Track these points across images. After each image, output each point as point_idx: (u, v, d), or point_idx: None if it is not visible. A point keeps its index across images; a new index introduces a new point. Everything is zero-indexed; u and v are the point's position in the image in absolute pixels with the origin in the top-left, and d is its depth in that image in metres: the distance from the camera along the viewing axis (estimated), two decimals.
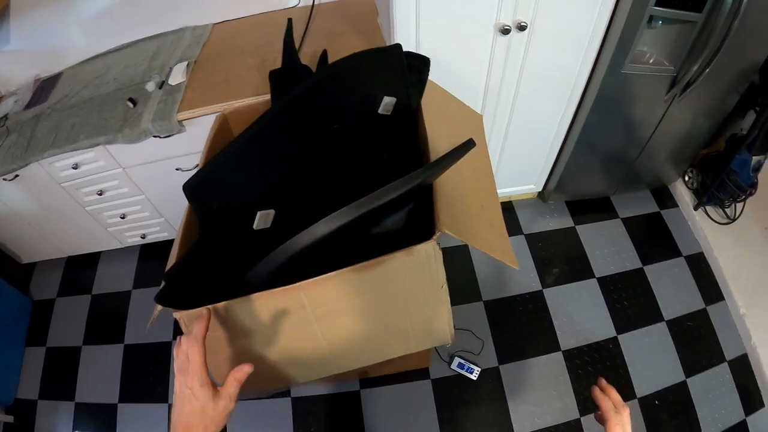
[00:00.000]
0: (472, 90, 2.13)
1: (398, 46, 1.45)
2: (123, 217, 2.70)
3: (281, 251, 1.12)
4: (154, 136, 2.20)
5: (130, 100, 2.24)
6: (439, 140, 1.45)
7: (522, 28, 1.87)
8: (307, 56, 2.15)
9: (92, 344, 2.83)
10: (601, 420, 0.98)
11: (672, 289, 2.74)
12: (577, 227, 2.97)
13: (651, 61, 2.06)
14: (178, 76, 2.25)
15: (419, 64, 1.58)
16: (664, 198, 3.12)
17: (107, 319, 2.91)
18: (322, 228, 1.06)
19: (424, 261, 1.18)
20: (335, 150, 1.46)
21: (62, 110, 2.44)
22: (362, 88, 1.46)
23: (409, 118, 1.56)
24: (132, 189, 2.51)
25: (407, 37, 1.88)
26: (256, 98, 2.02)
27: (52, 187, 2.49)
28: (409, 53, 1.54)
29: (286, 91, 1.54)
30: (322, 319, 1.23)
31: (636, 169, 2.76)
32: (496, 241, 1.37)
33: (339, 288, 1.19)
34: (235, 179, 1.28)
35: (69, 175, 2.42)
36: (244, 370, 0.89)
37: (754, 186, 2.63)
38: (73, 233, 2.85)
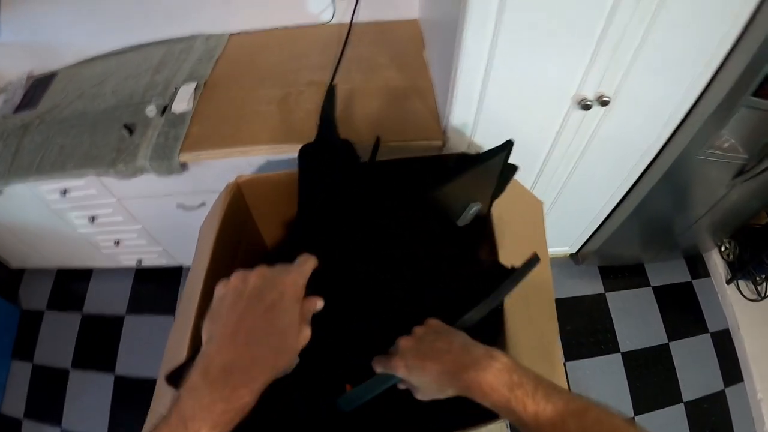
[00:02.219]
0: (530, 156, 1.62)
1: (509, 146, 1.11)
2: (117, 243, 2.19)
3: None
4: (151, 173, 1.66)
5: (126, 127, 1.70)
6: (505, 238, 1.21)
7: (604, 103, 1.40)
8: (341, 94, 1.59)
9: (81, 368, 2.38)
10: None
11: (694, 368, 2.39)
12: (607, 294, 2.55)
13: (726, 146, 1.67)
14: (183, 102, 1.69)
15: (509, 174, 1.22)
16: (698, 267, 2.72)
17: (98, 344, 2.44)
18: None
19: None
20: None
21: (52, 124, 1.89)
22: (456, 201, 1.16)
23: (481, 223, 1.26)
24: (127, 218, 2.00)
25: (469, 96, 1.37)
26: (284, 152, 1.55)
27: (39, 208, 1.99)
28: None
29: (318, 176, 1.22)
30: None
31: (676, 239, 2.42)
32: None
33: None
34: None
35: (57, 199, 1.90)
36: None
37: None
38: (64, 250, 2.35)
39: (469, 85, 1.34)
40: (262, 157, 1.59)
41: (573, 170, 1.74)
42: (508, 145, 1.13)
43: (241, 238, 1.38)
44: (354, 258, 1.13)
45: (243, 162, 1.62)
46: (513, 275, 0.95)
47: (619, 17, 1.17)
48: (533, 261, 0.97)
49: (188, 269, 2.40)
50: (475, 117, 1.44)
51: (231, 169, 1.64)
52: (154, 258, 2.34)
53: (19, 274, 2.73)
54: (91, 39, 2.03)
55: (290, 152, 1.55)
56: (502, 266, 1.14)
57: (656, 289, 2.59)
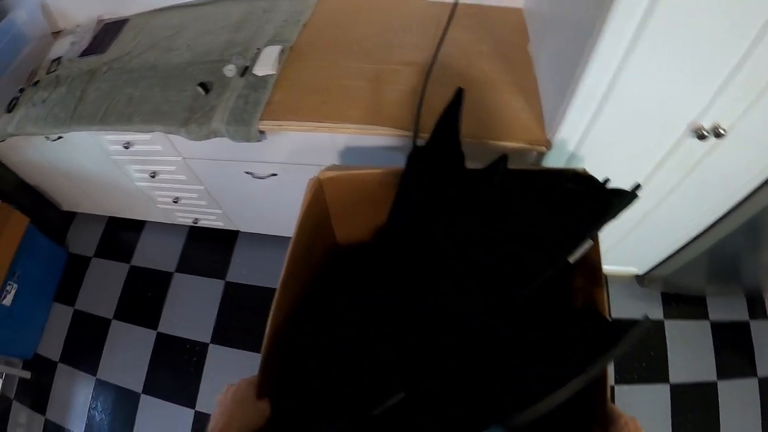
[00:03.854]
0: (627, 177, 1.34)
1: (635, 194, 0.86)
2: (176, 201, 1.96)
3: None
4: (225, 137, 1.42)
5: (202, 85, 1.45)
6: None
7: (718, 134, 1.15)
8: (440, 81, 1.33)
9: (123, 321, 2.17)
10: None
11: (738, 412, 2.12)
12: (666, 321, 2.29)
13: None
14: (267, 65, 1.44)
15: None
16: (757, 308, 2.43)
17: (143, 298, 2.22)
18: None
19: None
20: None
21: (120, 72, 1.65)
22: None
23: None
24: (190, 178, 1.76)
25: (584, 107, 1.12)
26: (372, 134, 1.30)
27: (99, 156, 1.76)
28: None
29: (423, 186, 0.99)
30: None
31: (742, 278, 2.17)
32: None
33: None
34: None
35: (119, 151, 1.66)
36: None
37: None
38: (118, 199, 2.12)
39: (589, 96, 1.09)
40: (348, 137, 1.36)
41: (665, 197, 1.48)
42: (635, 193, 0.88)
43: (318, 233, 1.14)
44: (445, 294, 0.91)
45: (326, 139, 1.38)
46: (624, 340, 0.75)
47: (761, 50, 0.94)
48: (645, 322, 0.76)
49: (244, 234, 2.19)
50: (584, 130, 1.20)
51: (312, 144, 1.41)
52: (211, 220, 2.12)
53: (70, 217, 2.50)
54: None
55: (379, 136, 1.32)
56: (602, 319, 0.91)
57: (714, 324, 2.35)
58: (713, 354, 2.22)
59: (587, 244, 0.90)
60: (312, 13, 1.64)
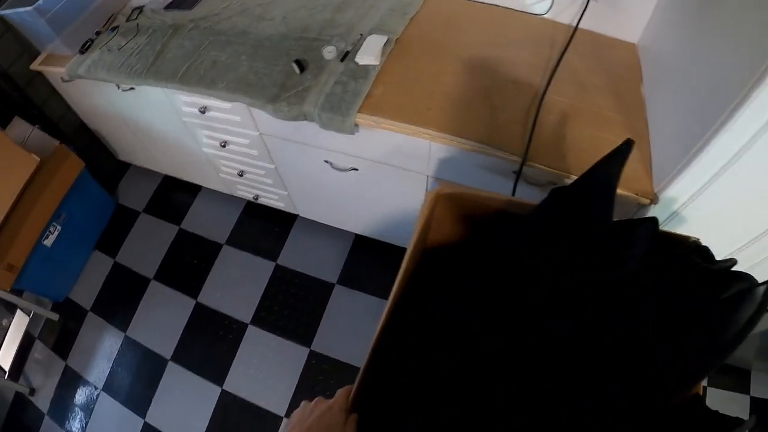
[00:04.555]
0: (719, 246, 1.18)
1: None
2: (241, 174, 1.82)
3: None
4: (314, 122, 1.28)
5: (298, 63, 1.30)
6: None
7: None
8: (551, 108, 1.20)
9: (163, 283, 2.05)
10: None
11: None
12: (708, 388, 2.14)
13: None
14: (370, 54, 1.29)
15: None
16: None
17: (187, 265, 2.08)
18: None
19: None
20: None
21: (206, 33, 1.51)
22: None
23: None
24: (263, 154, 1.63)
25: (696, 179, 0.98)
26: (474, 150, 1.14)
27: (169, 115, 1.63)
28: None
29: (571, 228, 0.82)
30: None
31: None
32: None
33: None
34: None
35: (193, 113, 1.53)
36: None
37: None
38: (180, 160, 1.99)
39: (712, 160, 0.93)
40: (447, 148, 1.21)
41: (752, 269, 1.33)
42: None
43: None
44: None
45: (423, 146, 1.24)
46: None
47: None
48: (750, 422, 0.65)
49: (302, 220, 2.04)
50: (695, 192, 1.03)
51: (405, 148, 1.27)
52: (273, 199, 1.97)
53: (124, 167, 2.38)
54: None
55: (482, 154, 1.17)
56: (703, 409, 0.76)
57: (754, 400, 2.19)
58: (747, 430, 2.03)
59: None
60: (420, 8, 1.48)
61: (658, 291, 0.77)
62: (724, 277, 0.70)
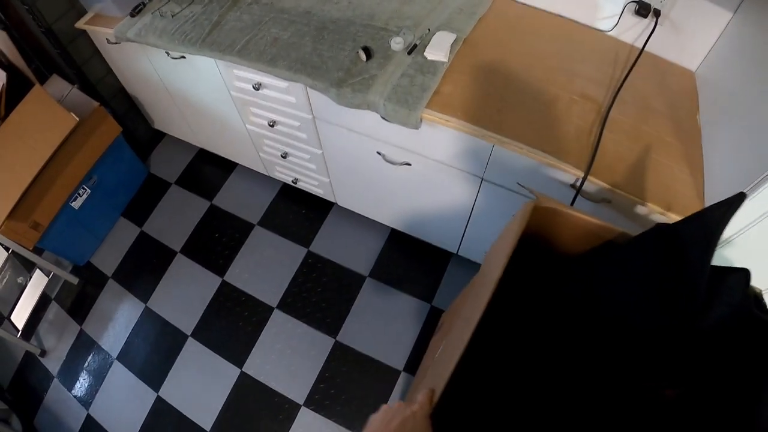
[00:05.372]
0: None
1: None
2: (284, 156, 1.74)
3: None
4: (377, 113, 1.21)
5: (365, 50, 1.23)
6: None
7: None
8: (614, 126, 1.15)
9: (190, 257, 1.97)
10: None
11: None
12: None
13: None
14: (439, 50, 1.23)
15: None
16: None
17: (217, 241, 2.00)
18: None
19: None
20: None
21: (267, 9, 1.44)
22: None
23: None
24: (312, 139, 1.56)
25: (747, 215, 0.92)
26: (539, 160, 1.10)
27: (218, 88, 1.56)
28: None
29: (664, 267, 0.78)
30: None
31: None
32: None
33: None
34: None
35: (245, 89, 1.46)
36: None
37: None
38: (219, 135, 1.91)
39: (761, 202, 0.89)
40: (511, 154, 1.14)
41: None
42: None
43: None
44: None
45: (486, 148, 1.18)
46: None
47: None
48: None
49: (339, 208, 1.95)
50: (740, 231, 0.98)
51: (467, 149, 1.22)
52: (312, 185, 1.90)
53: (159, 136, 2.30)
54: None
55: (545, 164, 1.12)
56: None
57: None
58: None
59: None
60: (488, 10, 1.41)
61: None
62: None
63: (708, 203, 1.05)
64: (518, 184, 1.24)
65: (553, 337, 0.89)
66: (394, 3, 1.42)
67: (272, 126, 1.57)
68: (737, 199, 0.72)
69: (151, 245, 1.99)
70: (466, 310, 0.87)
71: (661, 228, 0.79)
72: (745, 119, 1.01)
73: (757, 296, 0.72)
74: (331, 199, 1.90)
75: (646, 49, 1.31)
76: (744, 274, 0.70)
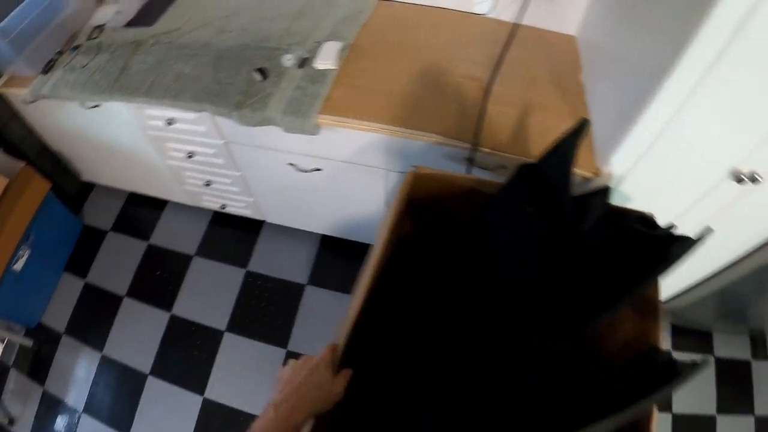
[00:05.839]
0: (664, 212, 1.39)
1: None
2: (207, 184, 1.96)
3: None
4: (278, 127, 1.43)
5: (260, 71, 1.46)
6: None
7: (754, 180, 1.22)
8: (499, 99, 1.39)
9: (136, 299, 2.16)
10: None
11: None
12: (673, 352, 2.33)
13: None
14: (327, 59, 1.46)
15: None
16: (758, 347, 2.55)
17: (159, 279, 2.21)
18: None
19: None
20: None
21: (169, 47, 1.65)
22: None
23: None
24: (229, 163, 1.77)
25: (632, 151, 1.18)
26: (433, 141, 1.32)
27: (134, 130, 1.76)
28: None
29: (534, 201, 1.01)
30: None
31: (749, 318, 2.31)
32: None
33: None
34: None
35: (159, 126, 1.68)
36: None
37: None
38: (145, 175, 2.12)
39: (644, 133, 1.13)
40: (406, 142, 1.37)
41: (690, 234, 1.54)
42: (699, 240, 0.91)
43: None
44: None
45: (382, 141, 1.40)
46: (685, 374, 0.78)
47: None
48: (703, 365, 0.79)
49: (269, 225, 2.19)
50: (634, 163, 1.24)
51: (367, 146, 1.44)
52: (239, 207, 2.12)
53: (88, 187, 2.49)
54: None
55: (438, 144, 1.35)
56: (667, 355, 0.94)
57: (718, 360, 2.46)
58: (715, 388, 2.34)
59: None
60: (372, 15, 1.65)
61: (605, 252, 0.96)
62: (664, 240, 0.89)
63: (598, 151, 1.28)
64: (412, 167, 1.47)
65: (454, 294, 1.11)
66: (284, 23, 1.65)
67: (190, 157, 1.78)
68: (582, 125, 0.96)
69: (98, 294, 2.17)
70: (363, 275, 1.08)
71: (526, 166, 1.03)
72: (618, 69, 1.24)
73: (644, 216, 0.95)
74: (260, 218, 2.12)
75: (527, 23, 1.55)
76: (604, 190, 0.94)
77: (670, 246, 0.91)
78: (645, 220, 1.02)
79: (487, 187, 1.11)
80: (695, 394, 2.28)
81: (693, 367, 0.78)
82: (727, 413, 2.27)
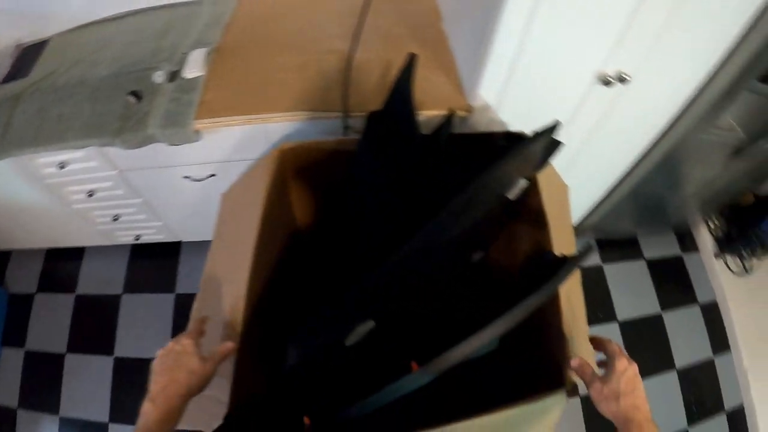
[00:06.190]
0: None
1: (555, 127, 1.12)
2: (116, 219, 2.08)
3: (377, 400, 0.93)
4: (161, 143, 1.56)
5: (133, 94, 1.59)
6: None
7: (623, 80, 1.41)
8: (363, 65, 1.54)
9: (78, 352, 2.25)
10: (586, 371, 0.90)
11: (685, 337, 2.56)
12: (604, 266, 2.68)
13: (726, 127, 1.76)
14: (195, 67, 1.59)
15: (554, 149, 1.20)
16: (687, 241, 2.89)
17: (94, 325, 2.32)
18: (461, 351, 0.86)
19: (549, 409, 0.97)
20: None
21: (47, 92, 1.76)
22: (513, 179, 1.12)
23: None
24: (128, 192, 1.89)
25: (498, 71, 1.33)
26: (303, 119, 1.46)
27: (30, 183, 1.86)
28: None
29: (385, 143, 1.20)
30: None
31: (669, 215, 2.58)
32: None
33: None
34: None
35: (53, 173, 1.78)
36: (229, 346, 0.91)
37: None
38: (55, 228, 2.21)
39: (500, 60, 1.29)
40: (281, 125, 1.51)
41: (584, 146, 1.74)
42: (555, 127, 1.11)
43: (279, 211, 1.31)
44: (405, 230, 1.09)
45: (260, 131, 1.54)
46: (572, 261, 0.96)
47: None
48: (588, 250, 0.97)
49: (187, 243, 2.31)
50: (501, 91, 1.41)
51: (248, 138, 1.57)
52: (152, 234, 2.23)
53: (6, 256, 2.57)
54: (85, 3, 1.89)
55: (312, 121, 1.49)
56: (551, 253, 1.11)
57: (649, 262, 2.73)
58: (653, 289, 2.62)
59: (522, 182, 1.09)
60: (232, 15, 1.80)
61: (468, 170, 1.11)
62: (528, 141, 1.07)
63: (467, 91, 1.45)
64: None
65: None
66: (151, 43, 1.78)
67: (91, 196, 1.89)
68: (410, 61, 1.13)
69: (40, 359, 2.25)
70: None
71: (372, 114, 1.18)
72: (468, 3, 1.41)
73: (509, 132, 1.19)
74: (176, 239, 2.25)
75: None
76: (449, 119, 1.09)
77: (531, 144, 1.07)
78: (510, 135, 1.19)
79: (350, 145, 1.26)
80: (636, 299, 2.54)
81: (577, 256, 0.95)
82: (671, 308, 2.55)
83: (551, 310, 1.06)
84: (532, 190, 1.26)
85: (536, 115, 1.43)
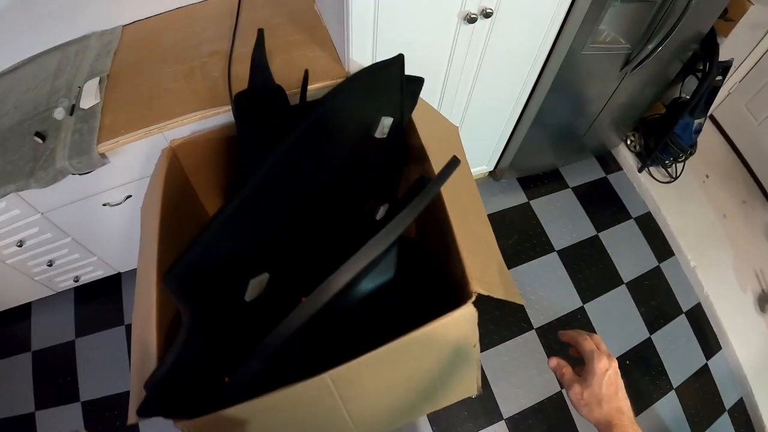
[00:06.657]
0: (431, 78, 1.85)
1: (400, 59, 1.38)
2: (50, 264, 2.27)
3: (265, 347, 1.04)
4: (73, 174, 1.76)
5: (38, 134, 1.80)
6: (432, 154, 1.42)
7: (488, 15, 1.66)
8: (244, 57, 1.75)
9: (46, 408, 2.43)
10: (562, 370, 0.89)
11: (627, 251, 2.88)
12: (531, 202, 2.97)
13: (608, 40, 1.99)
14: (90, 96, 1.81)
15: (414, 87, 1.48)
16: (609, 163, 3.20)
17: (56, 377, 2.50)
18: (329, 290, 1.00)
19: (461, 324, 1.10)
20: (335, 190, 1.40)
21: None
22: (362, 111, 1.37)
23: (400, 137, 1.49)
24: (56, 234, 2.09)
25: (363, 30, 1.59)
26: (197, 119, 1.70)
27: None
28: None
29: (257, 117, 1.44)
30: (350, 401, 1.15)
31: (583, 140, 2.80)
32: (507, 282, 1.34)
33: (372, 367, 1.10)
34: (226, 250, 1.14)
35: None
36: None
37: (694, 146, 2.85)
38: None
39: (362, 23, 1.55)
40: (177, 130, 1.72)
41: (473, 87, 2.00)
42: (398, 58, 1.33)
43: (184, 206, 1.52)
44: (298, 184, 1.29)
45: (160, 140, 1.75)
46: (437, 177, 1.13)
47: None
48: (454, 163, 1.14)
49: (126, 273, 2.51)
50: (372, 51, 1.66)
51: (152, 152, 1.77)
52: (90, 272, 2.43)
53: None
54: None
55: (204, 119, 1.72)
56: (428, 177, 1.33)
57: (575, 189, 3.03)
58: (585, 214, 2.92)
59: (387, 120, 1.33)
60: (119, 41, 2.03)
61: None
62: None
63: (344, 60, 1.72)
64: None
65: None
66: (47, 85, 2.00)
67: (21, 246, 2.09)
68: (259, 36, 1.38)
69: (10, 424, 2.41)
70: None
71: (240, 93, 1.41)
72: None
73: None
74: (114, 271, 2.46)
75: None
76: (305, 74, 1.38)
77: (370, 74, 1.34)
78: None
79: (234, 129, 1.49)
80: (569, 227, 2.89)
81: (443, 170, 1.12)
82: (607, 228, 2.88)
83: (449, 238, 1.25)
84: (412, 132, 1.49)
85: (413, 64, 1.65)
